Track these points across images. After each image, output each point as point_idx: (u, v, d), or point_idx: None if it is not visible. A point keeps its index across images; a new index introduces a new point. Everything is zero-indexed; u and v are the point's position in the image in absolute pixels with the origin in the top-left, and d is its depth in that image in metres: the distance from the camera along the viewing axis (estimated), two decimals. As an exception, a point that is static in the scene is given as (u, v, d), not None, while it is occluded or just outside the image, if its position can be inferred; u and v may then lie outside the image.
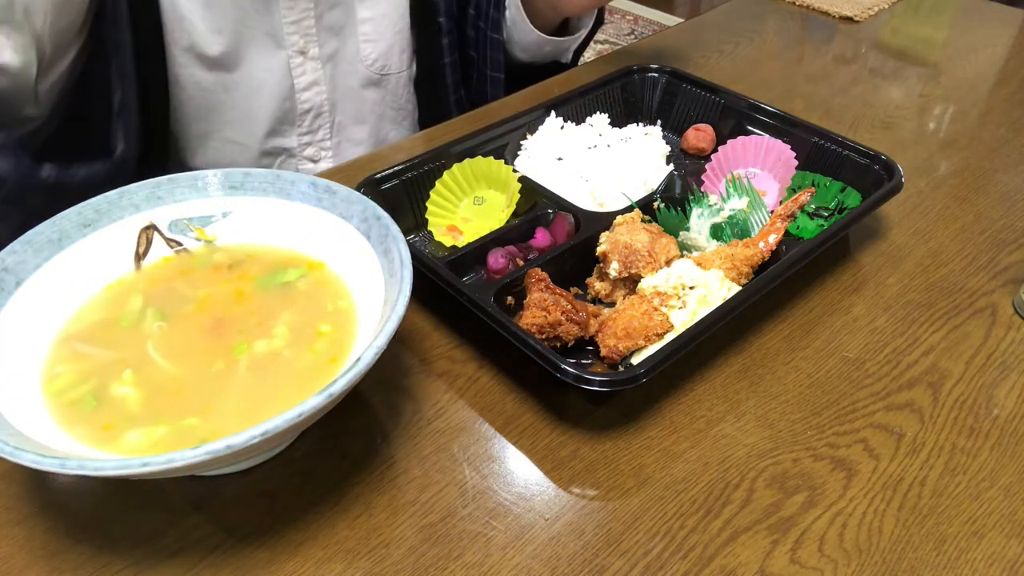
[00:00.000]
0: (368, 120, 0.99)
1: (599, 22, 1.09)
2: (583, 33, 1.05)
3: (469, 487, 0.51)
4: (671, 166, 0.79)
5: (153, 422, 0.48)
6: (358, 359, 0.44)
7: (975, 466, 0.54)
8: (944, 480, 0.53)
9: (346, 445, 0.54)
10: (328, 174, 0.81)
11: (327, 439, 0.54)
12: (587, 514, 0.50)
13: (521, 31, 1.01)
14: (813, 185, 0.74)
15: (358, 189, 0.64)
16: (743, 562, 0.47)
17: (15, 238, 0.54)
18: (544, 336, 0.57)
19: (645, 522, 0.50)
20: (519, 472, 0.53)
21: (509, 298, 0.61)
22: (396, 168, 0.70)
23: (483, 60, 1.04)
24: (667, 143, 0.82)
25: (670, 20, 3.37)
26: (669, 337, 0.58)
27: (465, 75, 1.08)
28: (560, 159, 0.77)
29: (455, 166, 0.73)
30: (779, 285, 0.60)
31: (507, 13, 1.01)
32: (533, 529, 0.49)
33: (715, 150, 0.79)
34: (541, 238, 0.68)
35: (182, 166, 0.94)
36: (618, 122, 0.85)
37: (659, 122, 0.87)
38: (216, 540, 0.48)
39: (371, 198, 0.58)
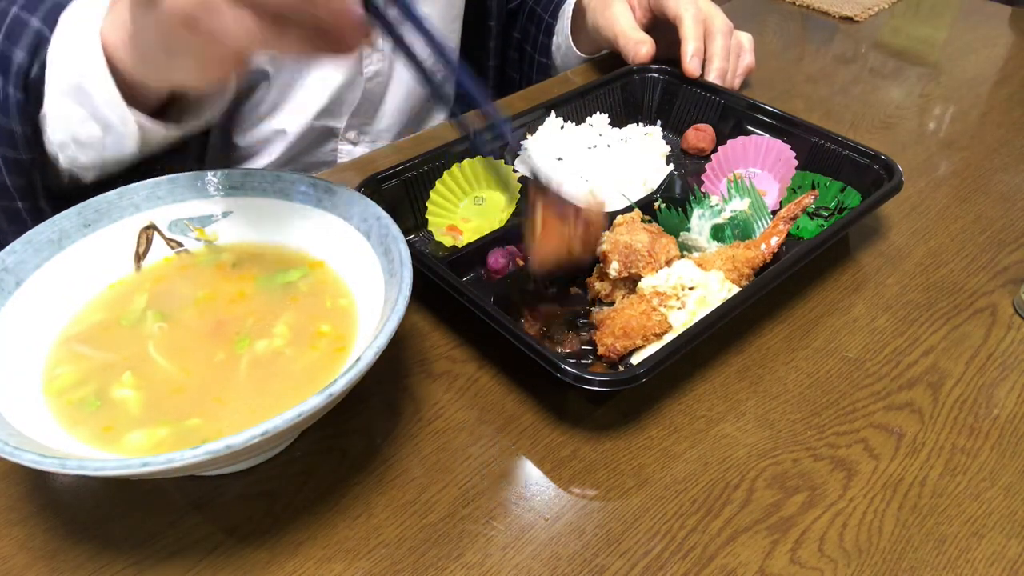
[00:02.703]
0: (410, 112, 1.02)
1: None
2: None
3: (469, 487, 0.51)
4: (671, 166, 0.79)
5: (155, 423, 0.48)
6: (358, 359, 0.44)
7: (975, 466, 0.54)
8: (944, 480, 0.53)
9: (346, 445, 0.54)
10: (328, 174, 0.81)
11: (327, 439, 0.54)
12: (587, 514, 0.50)
13: (566, 56, 1.05)
14: (813, 185, 0.74)
15: (358, 189, 0.64)
16: (743, 562, 0.47)
17: None
18: (561, 267, 0.56)
19: (645, 522, 0.50)
20: (519, 472, 0.53)
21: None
22: (396, 168, 0.70)
23: (526, 80, 1.09)
24: (667, 143, 0.82)
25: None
26: (668, 337, 0.58)
27: (498, 82, 1.12)
28: (560, 159, 0.77)
29: (455, 166, 0.73)
30: (779, 285, 0.60)
31: (555, 40, 1.05)
32: (533, 529, 0.49)
33: (715, 150, 0.79)
34: (541, 238, 0.68)
35: (223, 131, 0.96)
36: (618, 122, 0.85)
37: (659, 122, 0.87)
38: (216, 540, 0.48)
39: (371, 198, 0.58)
